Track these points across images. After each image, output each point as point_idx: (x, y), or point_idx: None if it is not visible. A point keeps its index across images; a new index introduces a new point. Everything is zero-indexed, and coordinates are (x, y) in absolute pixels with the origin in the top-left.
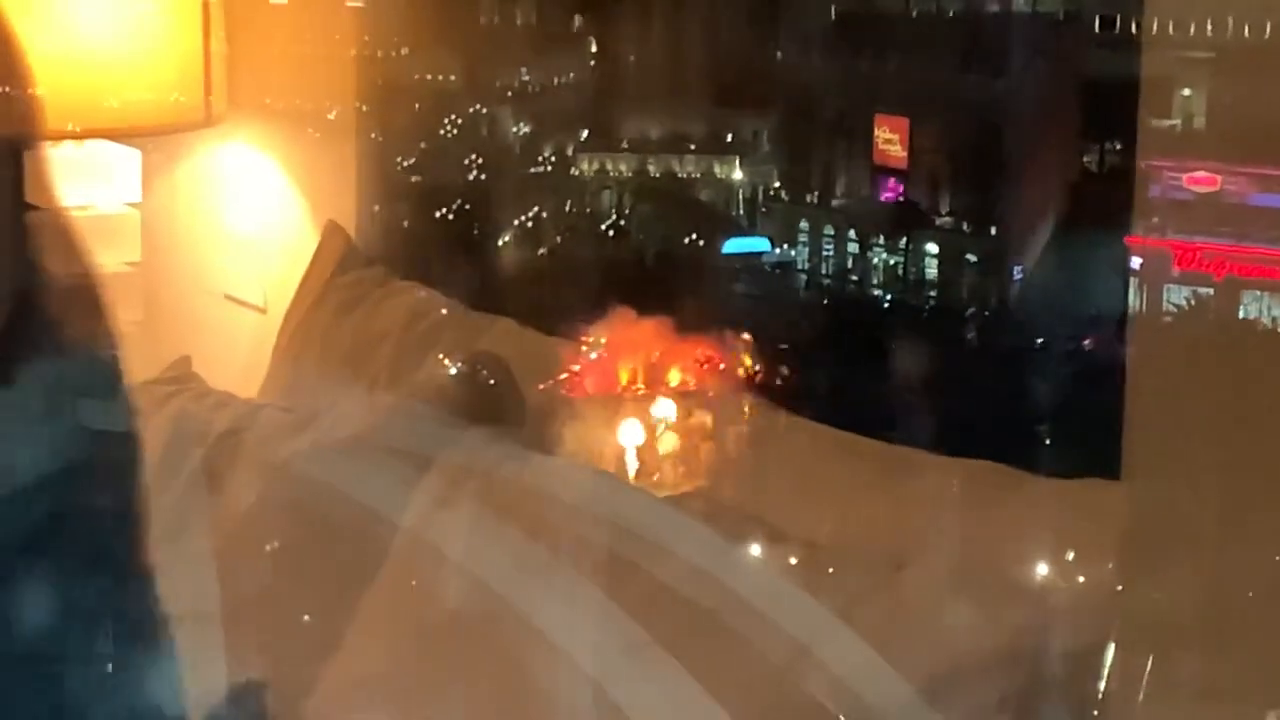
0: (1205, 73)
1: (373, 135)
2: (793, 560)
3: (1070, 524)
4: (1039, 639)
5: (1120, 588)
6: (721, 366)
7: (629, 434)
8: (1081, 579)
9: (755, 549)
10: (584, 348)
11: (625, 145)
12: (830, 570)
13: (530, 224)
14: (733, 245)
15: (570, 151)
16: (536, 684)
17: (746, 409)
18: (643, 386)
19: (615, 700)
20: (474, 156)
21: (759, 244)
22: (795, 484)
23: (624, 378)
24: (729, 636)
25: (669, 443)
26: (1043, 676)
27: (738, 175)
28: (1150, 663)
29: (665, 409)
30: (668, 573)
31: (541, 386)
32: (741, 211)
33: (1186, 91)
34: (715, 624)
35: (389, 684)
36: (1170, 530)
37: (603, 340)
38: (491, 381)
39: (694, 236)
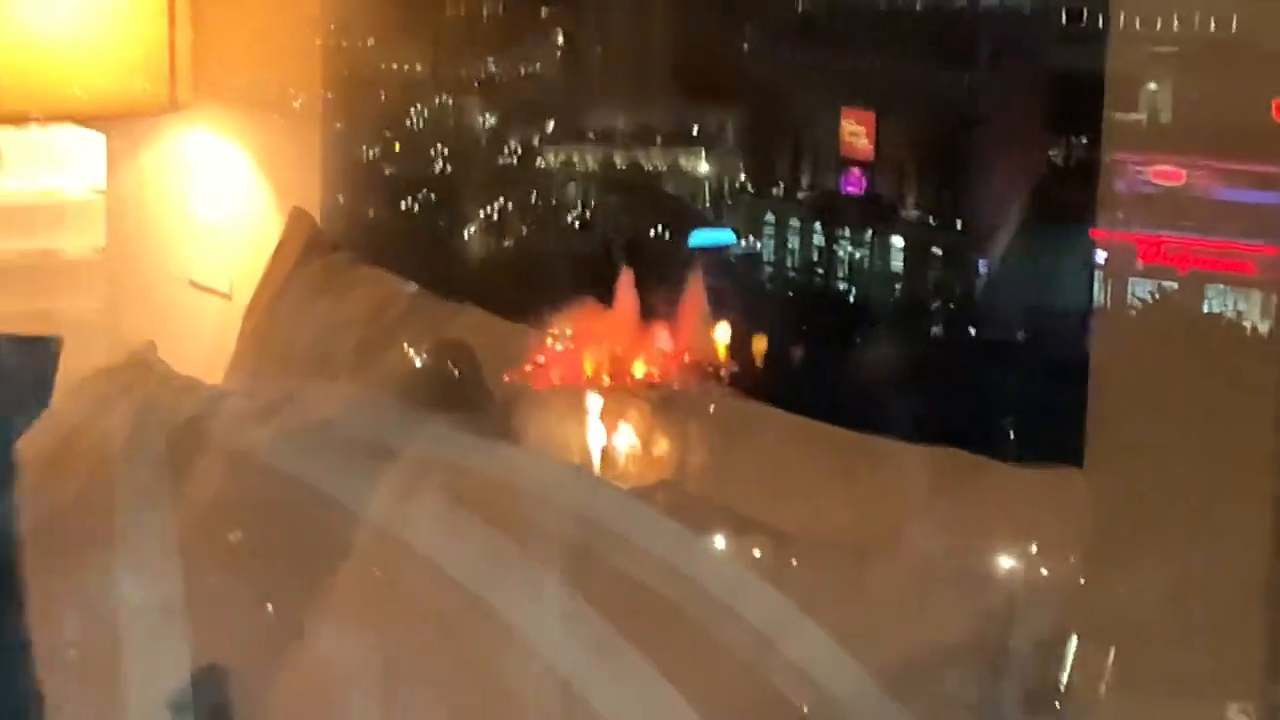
0: (1171, 68)
1: (338, 124)
2: (759, 552)
3: (1034, 511)
4: (1004, 627)
5: (1083, 578)
6: (686, 358)
7: (594, 425)
8: (1045, 568)
9: (722, 541)
10: (550, 339)
11: (591, 137)
12: (797, 561)
13: (496, 215)
14: (698, 238)
15: (536, 143)
16: (500, 675)
17: (712, 400)
18: (608, 378)
19: (580, 692)
20: (440, 147)
21: (725, 236)
22: (762, 474)
23: (589, 369)
24: (695, 628)
25: (634, 434)
26: (1007, 665)
27: (704, 168)
28: (1113, 653)
29: (630, 400)
30: (634, 565)
31: (507, 378)
32: (707, 204)
33: (1152, 86)
34: (681, 616)
35: (352, 673)
36: (1132, 519)
37: (568, 331)
38: (457, 371)
39: (660, 229)
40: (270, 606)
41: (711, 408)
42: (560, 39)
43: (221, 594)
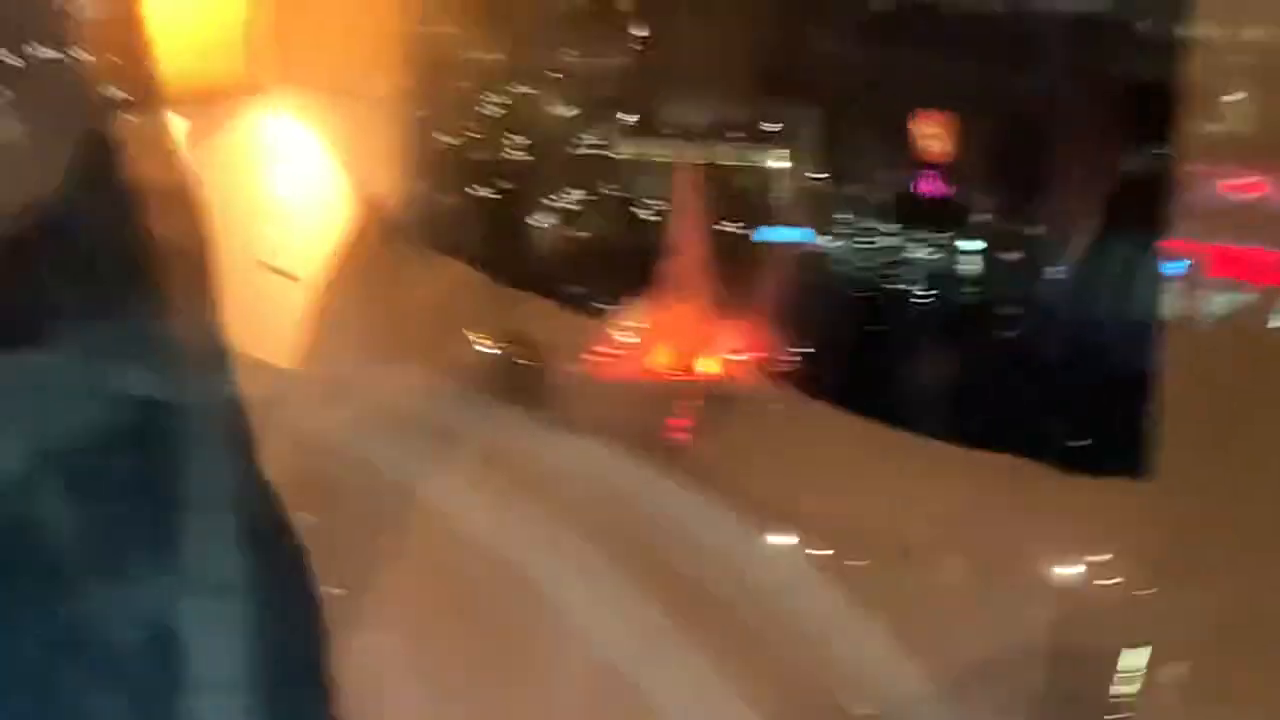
0: (1251, 79)
1: (416, 111)
2: (816, 552)
3: (1094, 524)
4: (1059, 638)
5: (1141, 590)
6: (753, 355)
7: (655, 417)
8: (1106, 579)
9: (779, 540)
10: (618, 331)
11: (667, 130)
12: (854, 564)
13: (570, 205)
14: (771, 234)
15: (612, 134)
16: (554, 663)
17: (777, 398)
18: (673, 371)
19: (634, 683)
20: (516, 136)
21: (798, 234)
22: (824, 476)
23: (655, 362)
24: (749, 625)
25: (695, 428)
26: (1061, 675)
27: (779, 164)
28: (1172, 665)
29: (696, 394)
30: (691, 560)
31: (574, 368)
32: (781, 201)
33: (1230, 97)
34: (736, 612)
35: (414, 660)
36: (1197, 534)
37: (637, 324)
38: (524, 361)
39: (733, 224)
40: (334, 591)
41: (776, 406)
42: (639, 32)
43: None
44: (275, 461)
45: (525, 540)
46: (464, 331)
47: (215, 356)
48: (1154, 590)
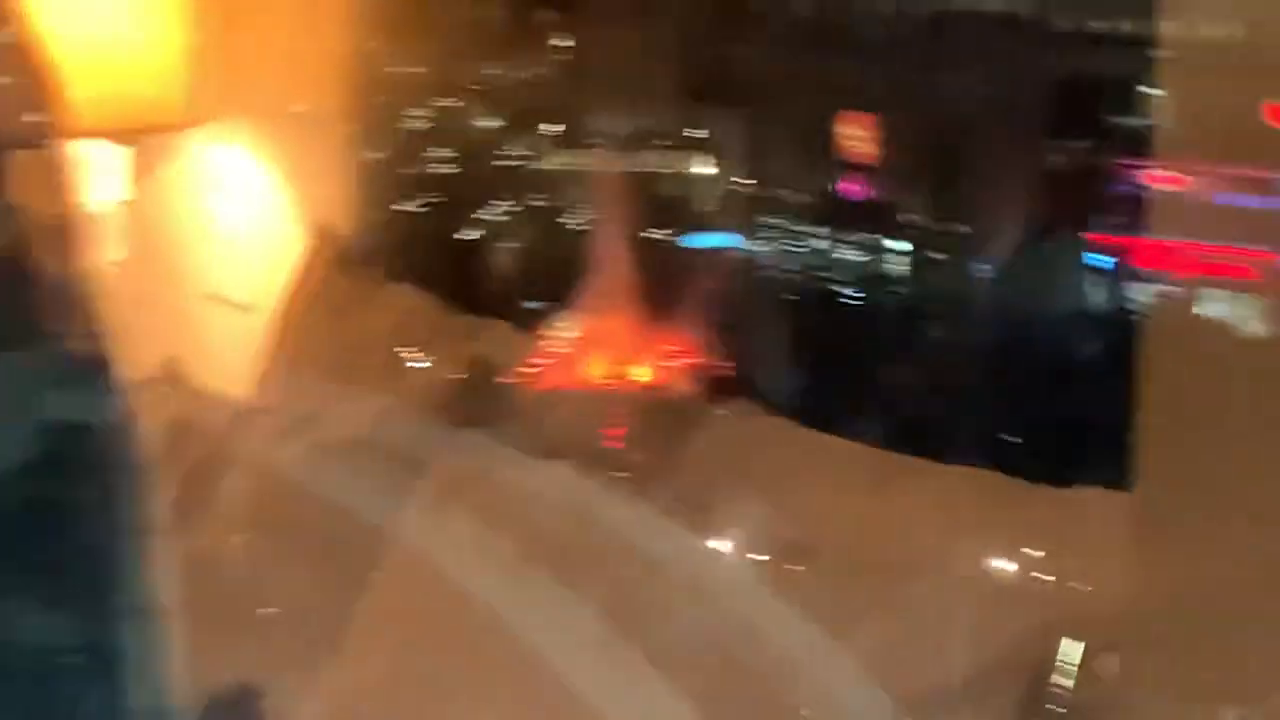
0: (1174, 73)
1: (351, 130)
2: (787, 570)
3: (1065, 531)
4: (1039, 647)
5: (1090, 588)
6: (687, 362)
7: (597, 427)
8: (1077, 586)
9: (746, 556)
10: (552, 342)
11: (593, 140)
12: (826, 580)
13: (498, 218)
14: (698, 240)
15: (537, 145)
16: (528, 692)
17: (713, 405)
18: (611, 380)
19: (604, 713)
20: (451, 151)
21: (725, 239)
22: (768, 484)
23: (592, 372)
24: (720, 649)
25: (636, 438)
26: (1044, 683)
27: (704, 170)
28: (1143, 667)
29: (630, 403)
30: (660, 584)
31: (508, 379)
32: (708, 207)
33: (1154, 91)
34: (706, 636)
35: (384, 689)
36: (1156, 532)
37: (571, 334)
38: (481, 384)
39: (661, 231)
40: (299, 625)
41: (711, 412)
42: (563, 43)
43: (249, 612)
44: (235, 493)
45: (491, 569)
46: (414, 354)
47: (105, 384)
48: (1114, 593)
